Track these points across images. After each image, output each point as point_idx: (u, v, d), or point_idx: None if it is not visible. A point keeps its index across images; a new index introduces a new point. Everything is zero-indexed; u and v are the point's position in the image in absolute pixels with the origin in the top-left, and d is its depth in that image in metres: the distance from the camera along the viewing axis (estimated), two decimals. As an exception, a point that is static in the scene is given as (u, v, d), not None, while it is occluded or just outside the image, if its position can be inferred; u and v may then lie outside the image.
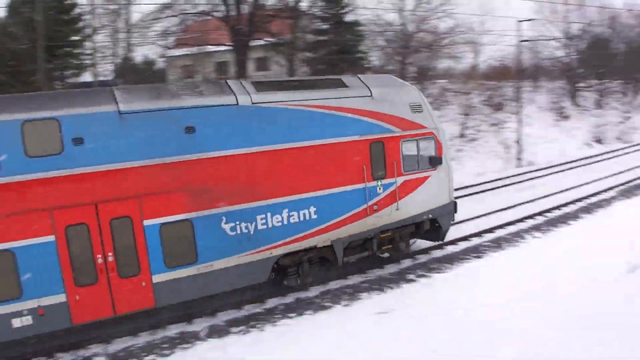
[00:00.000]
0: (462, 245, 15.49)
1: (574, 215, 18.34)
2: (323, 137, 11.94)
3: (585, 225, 16.93)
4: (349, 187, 12.34)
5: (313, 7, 29.45)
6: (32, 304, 9.28)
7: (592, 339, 8.36)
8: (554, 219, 17.91)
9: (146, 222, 10.07)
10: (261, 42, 28.54)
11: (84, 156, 9.49)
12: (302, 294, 12.26)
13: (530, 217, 18.02)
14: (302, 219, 11.78)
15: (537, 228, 16.93)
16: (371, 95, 12.77)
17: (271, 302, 11.94)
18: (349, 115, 12.33)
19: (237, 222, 10.95)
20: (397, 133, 12.95)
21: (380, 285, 12.65)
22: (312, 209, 11.87)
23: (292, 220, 11.64)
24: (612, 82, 47.33)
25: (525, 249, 14.79)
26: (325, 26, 30.86)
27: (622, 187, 22.81)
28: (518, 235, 16.18)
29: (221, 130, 10.71)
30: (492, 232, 16.54)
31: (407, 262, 14.10)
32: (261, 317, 11.20)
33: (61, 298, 9.48)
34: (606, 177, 24.87)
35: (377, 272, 13.50)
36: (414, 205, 13.42)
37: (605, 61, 47.00)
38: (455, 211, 14.52)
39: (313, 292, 12.40)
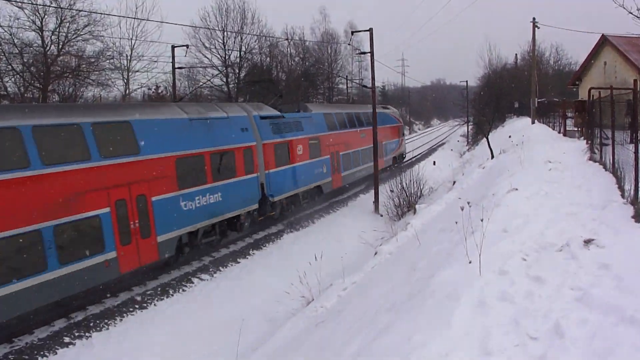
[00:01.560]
0: (123, 300, 15.52)
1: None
2: (393, 123, 42.14)
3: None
4: (396, 139, 42.32)
5: None
6: None
7: None
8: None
9: (340, 153, 29.83)
10: None
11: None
12: None
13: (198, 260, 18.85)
14: (386, 151, 38.54)
15: (206, 270, 17.82)
16: (391, 110, 44.08)
17: None
18: (392, 117, 42.61)
19: (357, 155, 32.46)
20: (400, 124, 44.56)
21: (31, 355, 11.76)
22: (385, 149, 37.81)
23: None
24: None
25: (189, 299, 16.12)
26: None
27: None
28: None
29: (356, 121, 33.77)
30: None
31: (60, 323, 13.34)
32: None
33: None
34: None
35: (26, 339, 12.35)
36: (402, 148, 44.09)
37: (266, 89, 42.10)
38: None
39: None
